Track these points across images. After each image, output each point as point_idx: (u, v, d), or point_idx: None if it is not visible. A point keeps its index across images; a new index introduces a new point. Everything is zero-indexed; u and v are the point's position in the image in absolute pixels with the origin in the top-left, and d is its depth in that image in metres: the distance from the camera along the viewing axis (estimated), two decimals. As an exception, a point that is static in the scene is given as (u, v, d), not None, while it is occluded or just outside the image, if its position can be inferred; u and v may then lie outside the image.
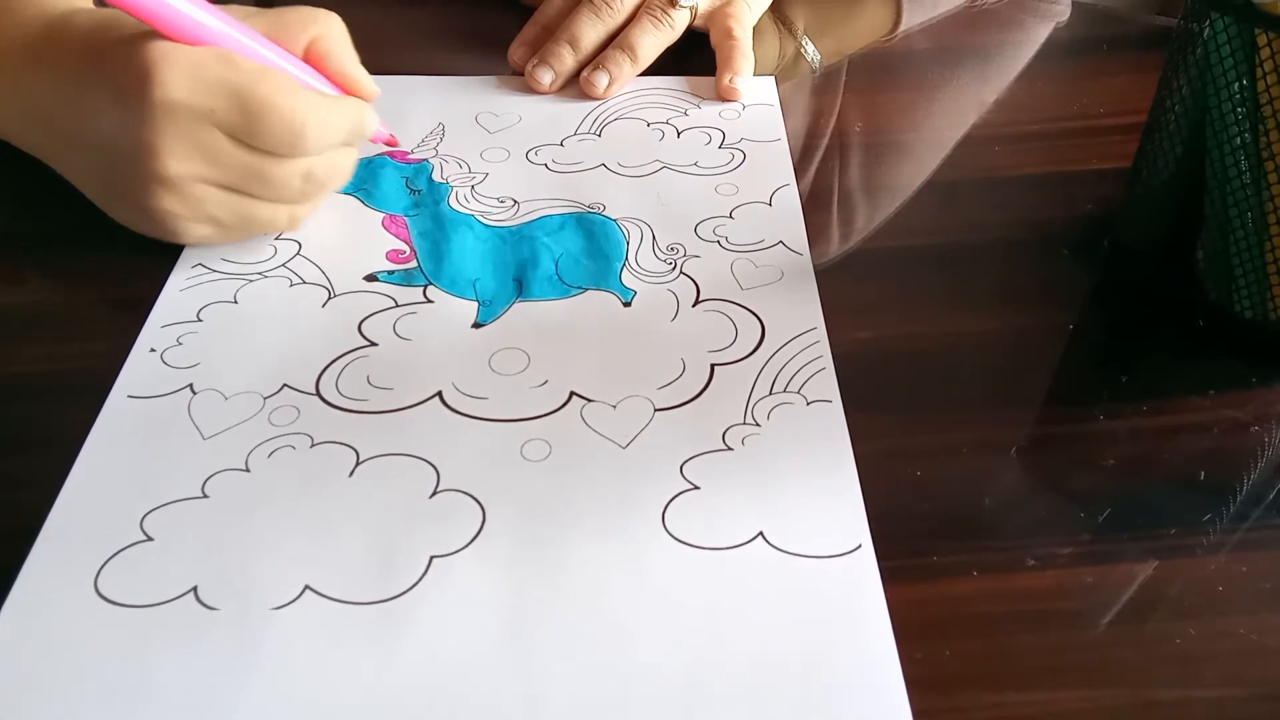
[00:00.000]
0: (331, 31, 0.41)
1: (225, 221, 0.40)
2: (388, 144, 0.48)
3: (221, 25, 0.38)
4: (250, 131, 0.38)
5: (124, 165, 0.38)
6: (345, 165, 0.43)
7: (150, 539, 0.33)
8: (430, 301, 0.41)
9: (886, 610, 0.31)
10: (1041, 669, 0.30)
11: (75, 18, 0.41)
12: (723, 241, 0.45)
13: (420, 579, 0.32)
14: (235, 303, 0.41)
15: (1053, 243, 0.45)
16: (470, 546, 0.33)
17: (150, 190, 0.38)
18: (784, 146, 0.50)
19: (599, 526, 0.33)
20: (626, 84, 0.54)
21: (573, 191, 0.47)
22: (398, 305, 0.41)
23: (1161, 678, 0.30)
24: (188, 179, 0.38)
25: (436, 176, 0.48)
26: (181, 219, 0.39)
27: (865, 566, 0.32)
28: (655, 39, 0.53)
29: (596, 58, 0.54)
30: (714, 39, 0.55)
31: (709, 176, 0.48)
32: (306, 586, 0.31)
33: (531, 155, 0.49)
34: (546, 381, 0.38)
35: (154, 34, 0.37)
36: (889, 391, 0.38)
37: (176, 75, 0.36)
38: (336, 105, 0.41)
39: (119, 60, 0.37)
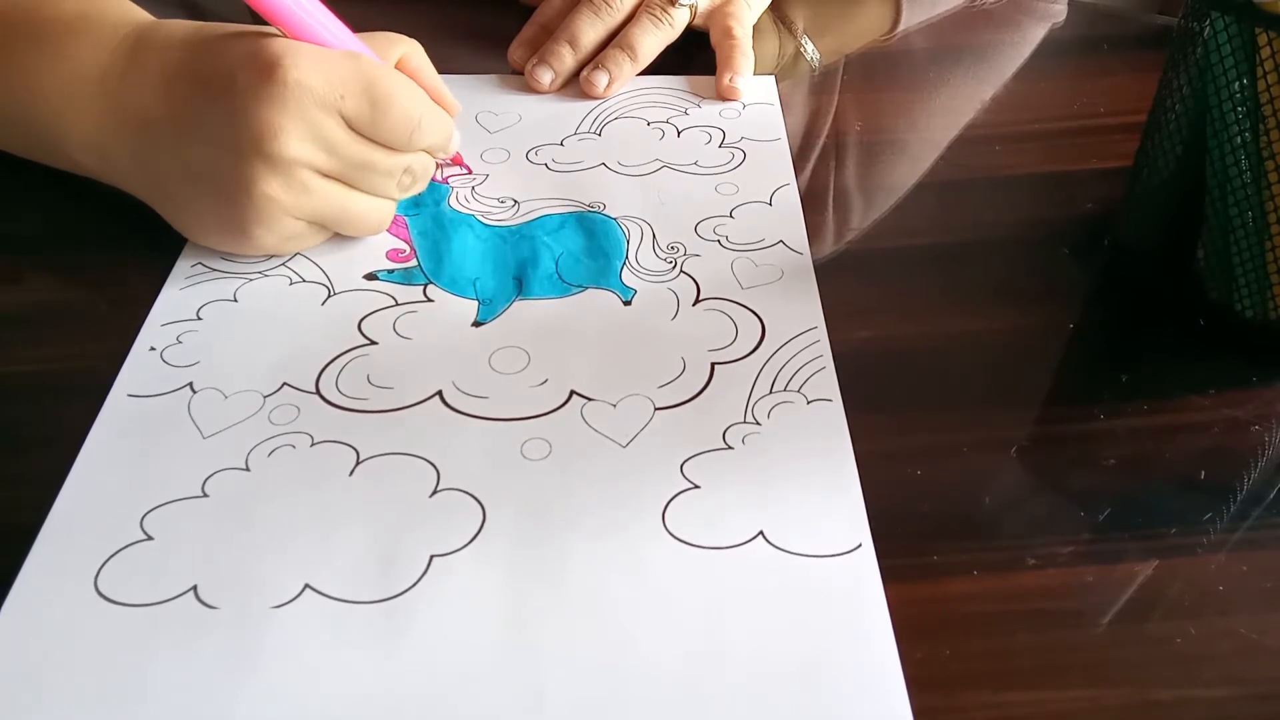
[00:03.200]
0: (417, 51, 0.43)
1: (324, 212, 0.40)
2: (455, 161, 0.48)
3: (343, 31, 0.40)
4: (373, 120, 0.39)
5: (231, 155, 0.38)
6: (431, 170, 0.44)
7: (150, 538, 0.33)
8: (430, 300, 0.41)
9: (886, 610, 0.31)
10: (1041, 669, 0.30)
11: (165, 25, 0.41)
12: (723, 240, 0.45)
13: (420, 578, 0.32)
14: (235, 301, 0.41)
15: (1053, 243, 0.45)
16: (470, 546, 0.33)
17: (258, 176, 0.38)
18: (784, 146, 0.50)
19: (599, 526, 0.33)
20: (626, 83, 0.54)
21: (573, 191, 0.47)
22: (398, 304, 0.41)
23: (1161, 677, 0.30)
24: (300, 164, 0.38)
25: (437, 177, 0.48)
26: (280, 208, 0.39)
27: (865, 566, 0.32)
28: (655, 38, 0.53)
29: (596, 57, 0.54)
30: (714, 38, 0.55)
31: (709, 176, 0.48)
32: (306, 585, 0.31)
33: (531, 155, 0.49)
34: (546, 380, 0.38)
35: (274, 32, 0.39)
36: (889, 391, 0.38)
37: (309, 62, 0.38)
38: (441, 109, 0.43)
39: (243, 50, 0.38)
